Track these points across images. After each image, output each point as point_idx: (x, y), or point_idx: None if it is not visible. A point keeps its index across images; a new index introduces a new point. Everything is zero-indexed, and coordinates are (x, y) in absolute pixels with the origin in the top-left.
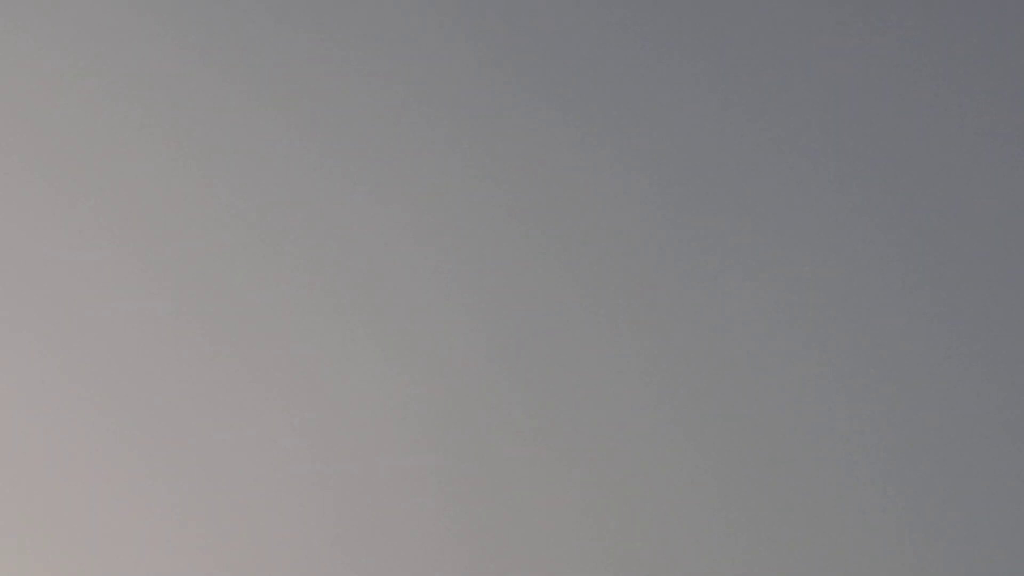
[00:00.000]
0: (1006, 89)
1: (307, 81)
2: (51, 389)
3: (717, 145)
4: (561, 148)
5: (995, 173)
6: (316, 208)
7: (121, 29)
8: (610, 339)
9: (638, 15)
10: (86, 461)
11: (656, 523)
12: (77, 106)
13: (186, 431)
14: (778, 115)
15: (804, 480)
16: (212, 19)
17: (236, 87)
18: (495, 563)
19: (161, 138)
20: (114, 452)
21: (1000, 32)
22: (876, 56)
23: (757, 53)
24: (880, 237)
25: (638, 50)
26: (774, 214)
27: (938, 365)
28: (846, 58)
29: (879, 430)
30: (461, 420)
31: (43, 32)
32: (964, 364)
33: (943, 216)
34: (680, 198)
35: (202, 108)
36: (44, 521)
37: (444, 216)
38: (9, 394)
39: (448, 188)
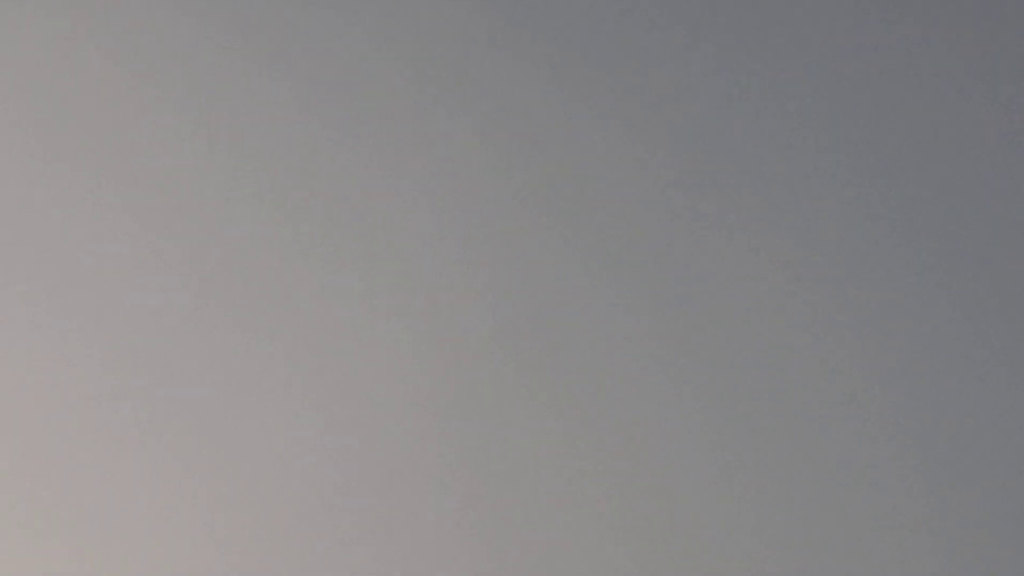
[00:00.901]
0: (1017, 87)
1: (328, 63)
2: (63, 375)
3: (731, 133)
4: (579, 132)
5: (1008, 168)
6: (332, 194)
7: (124, 7)
8: (627, 325)
9: (656, 2)
10: (98, 449)
11: (670, 514)
12: (85, 91)
13: (198, 416)
14: (795, 103)
15: (819, 471)
16: None
17: (252, 68)
18: (508, 551)
19: (178, 122)
20: (125, 439)
21: (1003, 32)
22: (894, 47)
23: (773, 43)
24: (897, 228)
25: (655, 36)
26: (789, 204)
27: (947, 357)
28: (864, 50)
29: (892, 420)
30: (475, 407)
31: (46, 15)
32: (975, 360)
33: (960, 211)
34: (697, 186)
35: (214, 89)
36: (57, 509)
37: (459, 200)
38: (21, 383)
39: (465, 174)
